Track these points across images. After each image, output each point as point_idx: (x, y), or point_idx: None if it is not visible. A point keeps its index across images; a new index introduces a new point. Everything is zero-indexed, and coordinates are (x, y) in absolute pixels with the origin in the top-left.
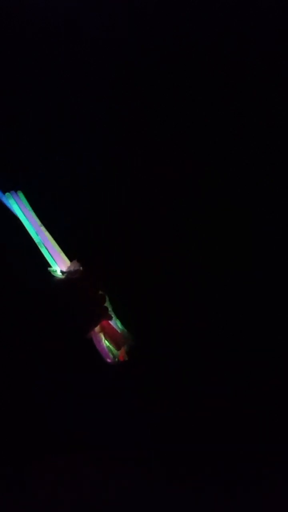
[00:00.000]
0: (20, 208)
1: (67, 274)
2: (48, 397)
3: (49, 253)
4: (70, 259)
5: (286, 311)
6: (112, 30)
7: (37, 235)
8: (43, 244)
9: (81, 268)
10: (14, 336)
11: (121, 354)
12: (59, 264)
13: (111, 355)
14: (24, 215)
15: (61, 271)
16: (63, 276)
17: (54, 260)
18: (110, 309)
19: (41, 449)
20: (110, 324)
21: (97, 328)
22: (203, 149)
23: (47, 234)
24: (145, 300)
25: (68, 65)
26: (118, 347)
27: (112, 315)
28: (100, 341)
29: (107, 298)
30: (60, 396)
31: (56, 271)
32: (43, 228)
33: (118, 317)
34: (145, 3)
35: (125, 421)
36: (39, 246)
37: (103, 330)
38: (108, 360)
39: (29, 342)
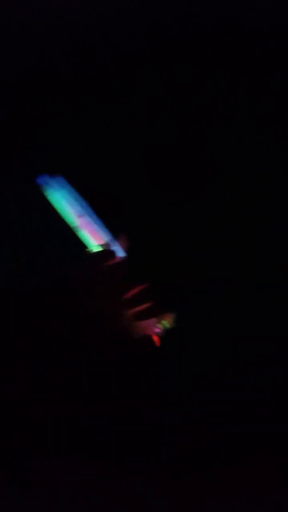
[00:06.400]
0: (60, 192)
1: (105, 246)
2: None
3: (88, 235)
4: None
5: None
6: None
7: (78, 218)
8: (82, 227)
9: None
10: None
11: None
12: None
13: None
14: (64, 199)
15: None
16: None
17: (93, 241)
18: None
19: (42, 448)
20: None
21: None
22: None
23: (89, 217)
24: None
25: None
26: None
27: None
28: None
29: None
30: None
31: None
32: (86, 211)
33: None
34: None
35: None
36: (75, 231)
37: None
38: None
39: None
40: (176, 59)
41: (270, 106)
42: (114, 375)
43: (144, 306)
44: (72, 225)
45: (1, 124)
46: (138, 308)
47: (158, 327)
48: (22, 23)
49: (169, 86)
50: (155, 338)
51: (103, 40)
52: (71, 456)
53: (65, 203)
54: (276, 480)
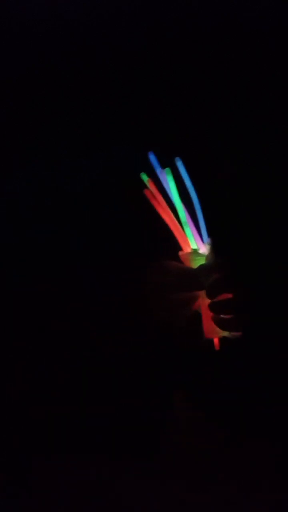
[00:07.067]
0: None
1: (209, 246)
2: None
3: (191, 233)
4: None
5: None
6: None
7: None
8: (188, 223)
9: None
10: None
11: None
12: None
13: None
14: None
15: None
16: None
17: (196, 240)
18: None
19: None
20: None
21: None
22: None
23: (193, 211)
24: None
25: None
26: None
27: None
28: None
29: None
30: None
31: (198, 249)
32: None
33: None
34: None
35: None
36: (184, 226)
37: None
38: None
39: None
40: (176, 59)
41: (270, 106)
42: (114, 375)
43: (227, 316)
44: (182, 220)
45: (1, 124)
46: (221, 315)
47: (224, 333)
48: (22, 23)
49: (169, 86)
50: (216, 342)
51: (103, 40)
52: (71, 456)
53: (176, 191)
54: (276, 480)
